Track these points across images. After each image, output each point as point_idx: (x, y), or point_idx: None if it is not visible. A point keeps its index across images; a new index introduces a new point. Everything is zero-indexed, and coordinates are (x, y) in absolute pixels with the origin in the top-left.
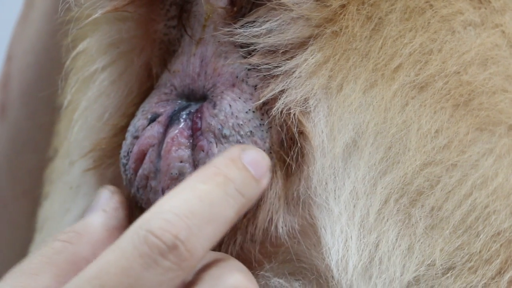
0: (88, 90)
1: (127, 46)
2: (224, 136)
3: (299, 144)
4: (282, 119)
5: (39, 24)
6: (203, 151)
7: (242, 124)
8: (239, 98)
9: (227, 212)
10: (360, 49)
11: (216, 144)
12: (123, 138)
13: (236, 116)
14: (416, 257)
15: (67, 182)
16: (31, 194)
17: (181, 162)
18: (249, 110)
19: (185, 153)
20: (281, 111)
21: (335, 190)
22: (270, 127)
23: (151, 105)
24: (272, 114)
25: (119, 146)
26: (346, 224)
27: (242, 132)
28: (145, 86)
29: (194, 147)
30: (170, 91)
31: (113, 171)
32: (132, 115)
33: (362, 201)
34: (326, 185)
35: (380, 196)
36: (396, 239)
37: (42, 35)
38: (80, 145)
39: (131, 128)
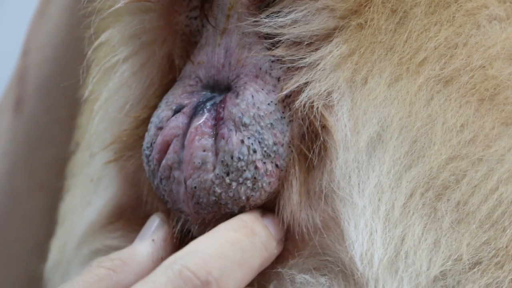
0: (109, 81)
1: (149, 37)
2: (244, 124)
3: (321, 138)
4: (305, 113)
5: (58, 19)
6: (223, 138)
7: (263, 116)
8: (262, 89)
9: (254, 261)
10: (385, 43)
11: (236, 132)
12: (145, 130)
13: (258, 107)
14: (443, 251)
15: (88, 174)
16: (47, 189)
17: (204, 151)
18: (271, 102)
19: (208, 142)
20: (304, 104)
21: (359, 184)
22: (291, 121)
23: (175, 96)
24: (294, 108)
25: (141, 138)
26: (370, 218)
27: (262, 123)
28: (167, 78)
29: (216, 136)
30: (195, 83)
31: (133, 163)
32: (154, 107)
33: (387, 194)
34: (349, 179)
35: (406, 190)
36: (422, 233)
37: (60, 29)
38: (101, 137)
39: (154, 119)
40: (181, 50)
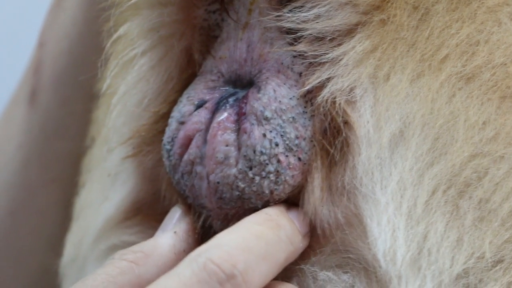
0: (127, 75)
1: (168, 31)
2: (266, 118)
3: (344, 134)
4: (327, 108)
5: (74, 11)
6: (245, 133)
7: (285, 109)
8: (284, 84)
9: (279, 255)
10: (407, 39)
11: (257, 125)
12: (164, 125)
13: (280, 101)
14: (465, 249)
15: (105, 169)
16: (60, 182)
17: (226, 145)
18: (293, 96)
19: (231, 136)
20: (326, 100)
21: (381, 180)
22: (313, 115)
23: (197, 91)
24: (316, 102)
25: (160, 133)
26: (393, 215)
27: (284, 117)
28: (186, 73)
29: (239, 130)
30: (217, 78)
31: (152, 158)
32: (173, 102)
33: (409, 191)
34: (372, 175)
35: (428, 187)
36: (445, 231)
37: (77, 21)
38: (118, 131)
39: (175, 114)
40: (200, 44)
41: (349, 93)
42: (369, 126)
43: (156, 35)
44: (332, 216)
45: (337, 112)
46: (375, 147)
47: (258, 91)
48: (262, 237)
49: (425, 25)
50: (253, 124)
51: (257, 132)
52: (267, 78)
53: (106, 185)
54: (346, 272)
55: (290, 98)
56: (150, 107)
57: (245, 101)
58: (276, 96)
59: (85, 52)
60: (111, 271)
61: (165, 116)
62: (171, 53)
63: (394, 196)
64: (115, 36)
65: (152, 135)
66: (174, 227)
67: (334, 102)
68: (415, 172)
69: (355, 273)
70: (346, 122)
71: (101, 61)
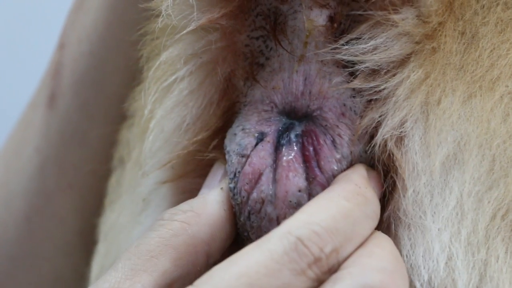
0: (166, 99)
1: (210, 57)
2: None
3: (390, 176)
4: (379, 153)
5: (96, 13)
6: (321, 188)
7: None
8: (353, 134)
9: (364, 232)
10: (455, 63)
11: None
12: (203, 151)
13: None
14: None
15: (137, 193)
16: (76, 188)
17: (299, 191)
18: (364, 152)
19: (302, 182)
20: (379, 145)
21: (432, 208)
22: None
23: (251, 122)
24: (372, 145)
25: (195, 160)
26: (449, 241)
27: None
28: (227, 99)
29: (310, 179)
30: (270, 108)
31: (187, 184)
32: (214, 128)
33: (469, 216)
34: (421, 204)
35: (487, 212)
36: (505, 256)
37: (98, 24)
38: (154, 155)
39: (234, 147)
40: (244, 71)
41: (399, 128)
42: (417, 157)
43: (198, 61)
44: None
45: (388, 155)
46: (425, 176)
47: (334, 145)
48: (350, 216)
49: (473, 48)
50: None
51: None
52: (336, 126)
53: (138, 209)
54: None
55: (361, 155)
56: (188, 133)
57: (310, 141)
58: (352, 158)
59: (106, 55)
60: (164, 234)
61: (204, 142)
62: (211, 78)
63: (449, 222)
64: (157, 63)
65: (189, 161)
66: (219, 183)
67: (386, 145)
68: (474, 196)
69: None
70: (393, 163)
71: (137, 85)
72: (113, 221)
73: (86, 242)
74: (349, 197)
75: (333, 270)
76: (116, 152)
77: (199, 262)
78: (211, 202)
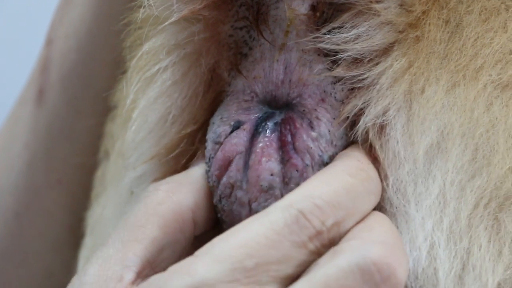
0: (149, 90)
1: (193, 48)
2: (324, 164)
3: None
4: (362, 141)
5: (83, 8)
6: (297, 171)
7: (337, 152)
8: (333, 119)
9: (366, 207)
10: (439, 52)
11: (313, 168)
12: (190, 144)
13: (335, 145)
14: (503, 261)
15: (123, 186)
16: (65, 183)
17: (271, 175)
18: (344, 135)
19: (275, 166)
20: (361, 133)
21: (415, 196)
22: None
23: (230, 112)
24: (354, 133)
25: (183, 152)
26: (431, 230)
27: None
28: (213, 90)
29: (285, 162)
30: (250, 98)
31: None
32: (202, 121)
33: (452, 205)
34: (404, 193)
35: (471, 200)
36: (488, 245)
37: (86, 19)
38: (138, 146)
39: (210, 135)
40: (228, 62)
41: (382, 116)
42: (399, 146)
43: (182, 52)
44: None
45: (370, 144)
46: (408, 165)
47: (311, 127)
48: (352, 191)
49: (457, 37)
50: (307, 164)
51: (311, 173)
52: (315, 109)
53: (123, 201)
54: None
55: (341, 137)
56: (175, 125)
57: (287, 127)
58: (331, 139)
59: (93, 50)
60: (149, 203)
61: (191, 135)
62: (195, 69)
63: (432, 211)
64: (139, 53)
65: (176, 155)
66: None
67: (367, 132)
68: (457, 185)
69: None
70: (375, 158)
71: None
72: (99, 214)
73: (76, 237)
74: (352, 172)
75: (334, 243)
76: (102, 145)
77: (187, 229)
78: (194, 173)
